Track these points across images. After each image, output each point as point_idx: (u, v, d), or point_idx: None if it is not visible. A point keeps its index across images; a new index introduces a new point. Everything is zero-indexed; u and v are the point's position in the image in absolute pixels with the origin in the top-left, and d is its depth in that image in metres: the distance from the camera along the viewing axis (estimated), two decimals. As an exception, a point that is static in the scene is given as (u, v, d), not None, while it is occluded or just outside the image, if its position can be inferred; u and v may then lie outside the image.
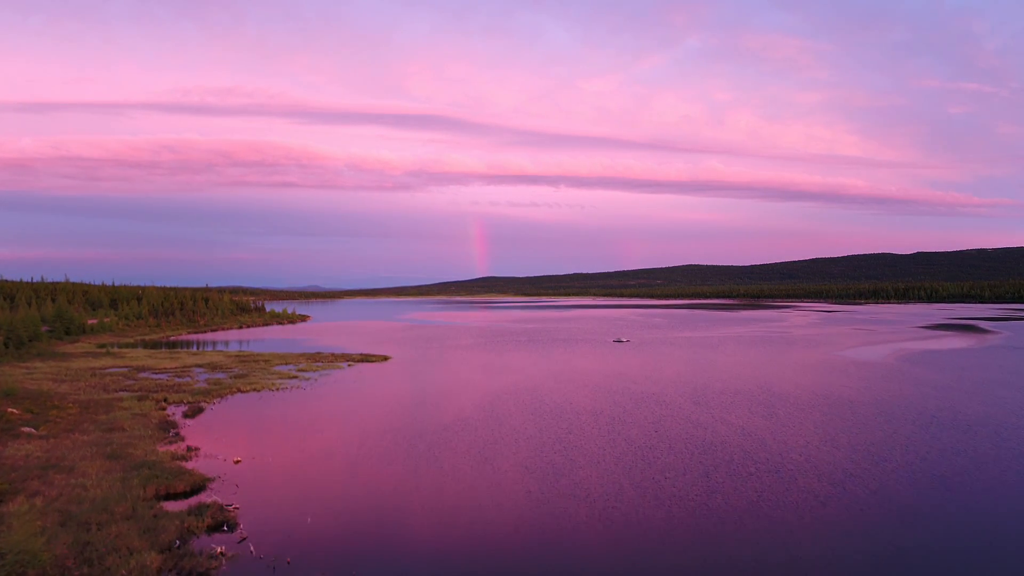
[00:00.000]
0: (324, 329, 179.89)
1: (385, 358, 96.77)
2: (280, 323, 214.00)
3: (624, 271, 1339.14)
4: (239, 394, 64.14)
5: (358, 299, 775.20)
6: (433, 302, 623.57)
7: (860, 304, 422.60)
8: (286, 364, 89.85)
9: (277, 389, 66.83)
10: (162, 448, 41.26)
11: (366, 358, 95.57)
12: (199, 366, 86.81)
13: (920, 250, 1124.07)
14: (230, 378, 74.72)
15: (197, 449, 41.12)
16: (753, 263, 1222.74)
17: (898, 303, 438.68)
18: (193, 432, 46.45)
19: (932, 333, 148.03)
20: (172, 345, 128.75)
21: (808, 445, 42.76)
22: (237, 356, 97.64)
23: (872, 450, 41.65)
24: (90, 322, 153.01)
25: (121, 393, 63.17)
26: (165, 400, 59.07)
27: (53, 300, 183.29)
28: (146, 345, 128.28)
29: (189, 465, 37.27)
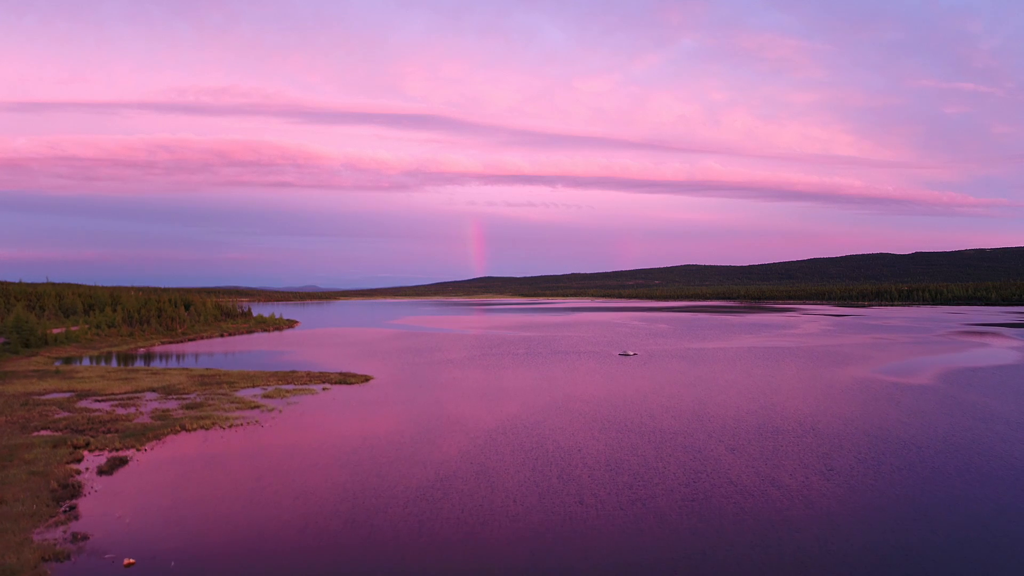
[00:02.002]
0: (310, 337, 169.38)
1: (366, 379, 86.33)
2: (265, 330, 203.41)
3: (622, 271, 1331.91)
4: (182, 433, 53.70)
5: (354, 300, 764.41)
6: (430, 303, 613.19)
7: (865, 307, 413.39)
8: (253, 386, 79.48)
9: (229, 426, 56.36)
10: (38, 536, 30.83)
11: (345, 379, 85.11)
12: (153, 390, 76.31)
13: (918, 250, 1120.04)
14: (181, 408, 64.25)
15: (85, 538, 30.68)
16: (751, 263, 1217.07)
17: (903, 305, 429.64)
18: (96, 503, 36.00)
19: (961, 343, 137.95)
20: (141, 358, 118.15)
21: (899, 521, 32.42)
22: (201, 376, 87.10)
23: (991, 537, 31.34)
24: (55, 332, 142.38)
25: (40, 433, 52.73)
26: (87, 445, 48.57)
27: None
28: (112, 359, 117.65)
29: (57, 574, 26.85)
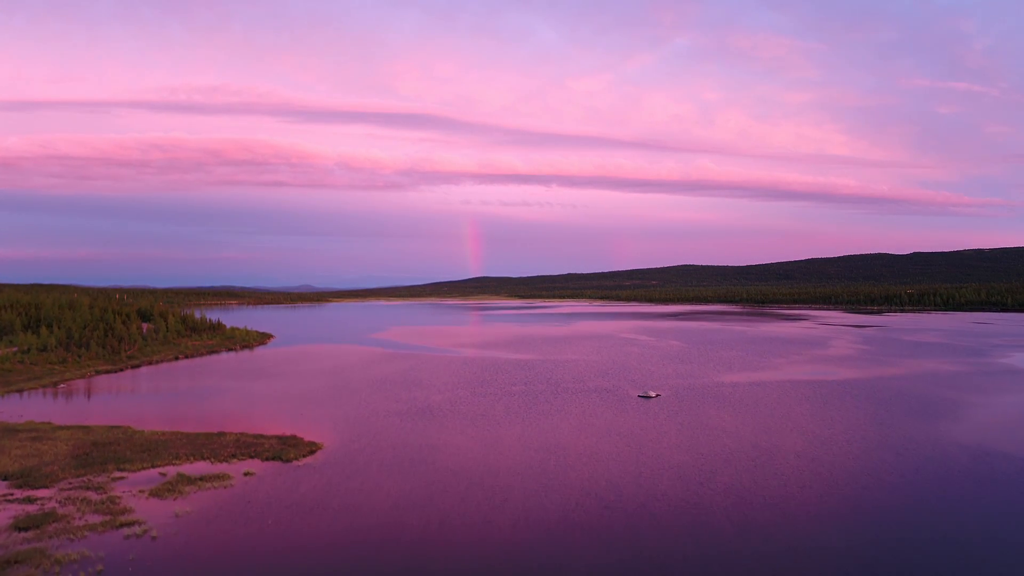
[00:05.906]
0: (275, 362, 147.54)
1: (312, 449, 64.69)
2: (231, 348, 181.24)
3: (618, 271, 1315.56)
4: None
5: (347, 302, 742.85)
6: (424, 306, 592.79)
7: (876, 312, 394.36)
8: (152, 466, 58.11)
9: (46, 587, 34.76)
10: None
11: (282, 451, 63.36)
12: (8, 478, 54.62)
13: (915, 250, 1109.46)
14: (6, 530, 42.56)
15: None
16: (748, 263, 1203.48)
17: (915, 311, 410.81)
18: None
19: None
20: (53, 396, 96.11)
21: None
22: (92, 445, 65.19)
23: None
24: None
25: None
26: None
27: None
28: (20, 398, 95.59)
29: None
